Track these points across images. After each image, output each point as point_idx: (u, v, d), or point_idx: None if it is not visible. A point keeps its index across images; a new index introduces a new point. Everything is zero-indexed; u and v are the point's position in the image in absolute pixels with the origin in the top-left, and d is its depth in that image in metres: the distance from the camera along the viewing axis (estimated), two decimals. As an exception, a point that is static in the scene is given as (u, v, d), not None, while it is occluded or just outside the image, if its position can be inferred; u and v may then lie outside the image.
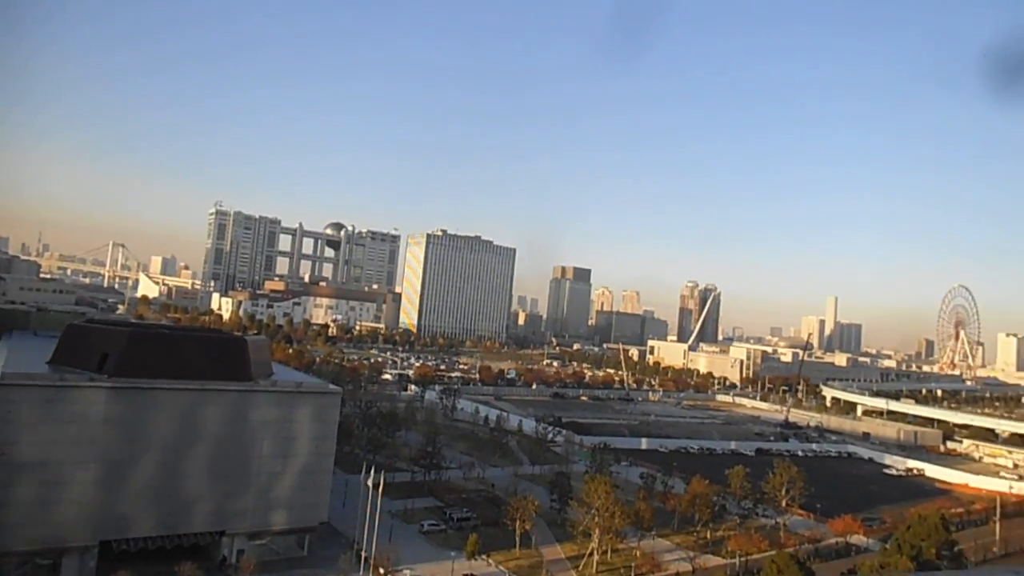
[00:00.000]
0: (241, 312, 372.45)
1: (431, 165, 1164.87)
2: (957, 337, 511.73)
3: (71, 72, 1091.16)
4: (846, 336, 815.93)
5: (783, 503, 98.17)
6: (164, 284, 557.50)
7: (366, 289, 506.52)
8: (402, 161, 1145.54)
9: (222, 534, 65.77)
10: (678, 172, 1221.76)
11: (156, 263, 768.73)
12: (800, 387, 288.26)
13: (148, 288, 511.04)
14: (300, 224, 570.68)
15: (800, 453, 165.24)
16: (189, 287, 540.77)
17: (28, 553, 56.92)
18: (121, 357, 61.13)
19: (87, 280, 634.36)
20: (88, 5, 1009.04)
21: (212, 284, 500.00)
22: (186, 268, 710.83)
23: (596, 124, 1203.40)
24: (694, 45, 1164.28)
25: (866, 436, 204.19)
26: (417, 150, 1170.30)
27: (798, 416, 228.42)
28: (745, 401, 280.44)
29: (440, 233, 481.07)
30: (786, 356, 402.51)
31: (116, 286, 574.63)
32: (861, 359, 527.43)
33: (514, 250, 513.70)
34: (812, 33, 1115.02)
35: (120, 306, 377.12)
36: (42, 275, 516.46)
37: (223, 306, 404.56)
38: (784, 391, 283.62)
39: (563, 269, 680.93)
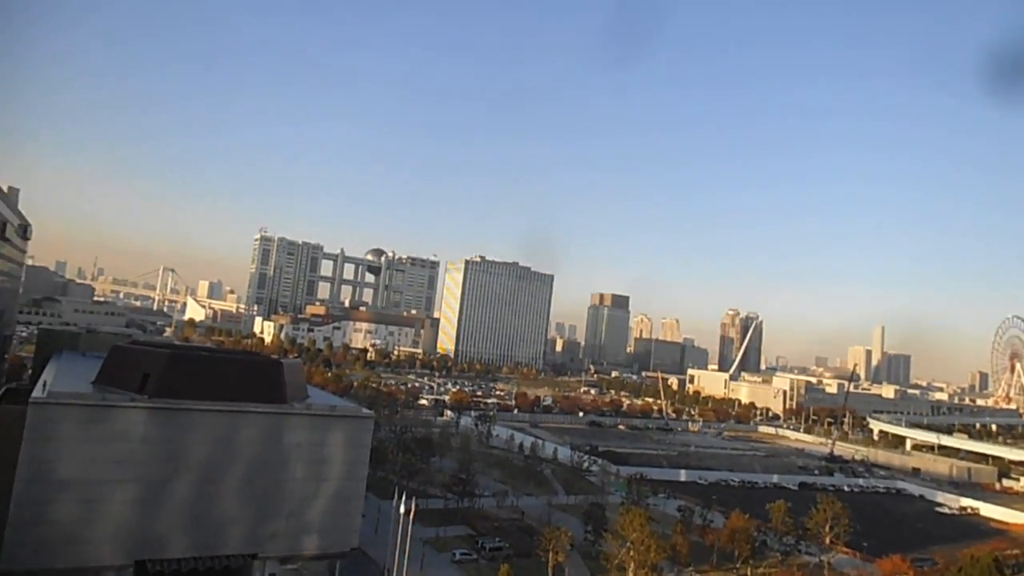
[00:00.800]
0: (282, 336, 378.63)
1: (471, 191, 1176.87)
2: (1012, 369, 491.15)
3: (126, 101, 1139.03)
4: (894, 367, 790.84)
5: (827, 540, 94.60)
6: (210, 308, 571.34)
7: (405, 314, 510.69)
8: (442, 188, 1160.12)
9: (254, 557, 65.82)
10: (720, 196, 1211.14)
11: (203, 287, 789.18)
12: (846, 419, 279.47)
13: (195, 311, 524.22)
14: (342, 250, 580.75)
15: (846, 488, 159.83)
16: (234, 311, 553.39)
17: (66, 571, 57.60)
18: (161, 378, 62.26)
19: (138, 303, 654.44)
20: (145, 27, 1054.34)
21: (255, 308, 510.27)
22: (231, 292, 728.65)
23: (640, 145, 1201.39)
24: (735, 60, 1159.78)
25: (916, 472, 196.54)
26: (457, 176, 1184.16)
27: (844, 450, 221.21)
28: (788, 433, 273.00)
29: (478, 259, 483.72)
30: (831, 387, 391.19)
31: (165, 309, 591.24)
32: (910, 391, 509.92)
33: (552, 277, 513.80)
34: (841, 50, 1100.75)
35: (168, 329, 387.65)
36: (96, 298, 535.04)
37: (265, 330, 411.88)
38: (829, 423, 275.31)
39: (601, 296, 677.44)
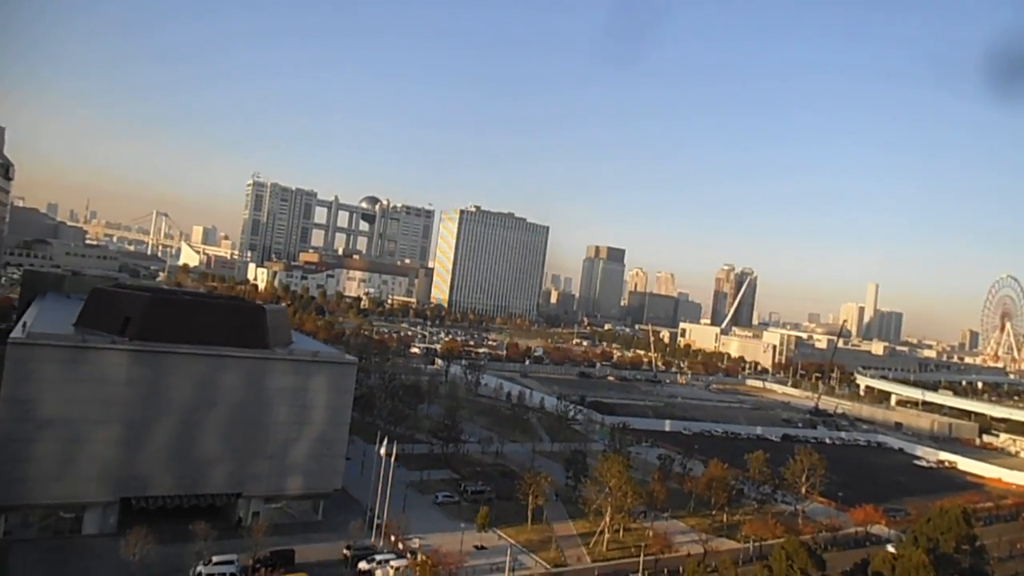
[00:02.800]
0: (276, 283, 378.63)
1: (466, 138, 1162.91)
2: (1003, 329, 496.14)
3: (120, 46, 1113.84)
4: (886, 324, 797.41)
5: (803, 490, 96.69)
6: (204, 253, 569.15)
7: (399, 263, 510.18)
8: (436, 133, 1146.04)
9: (238, 496, 67.38)
10: (718, 150, 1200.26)
11: (198, 232, 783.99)
12: (833, 374, 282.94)
13: (189, 257, 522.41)
14: (336, 197, 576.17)
15: (828, 441, 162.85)
16: (228, 257, 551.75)
17: (52, 507, 58.99)
18: (143, 321, 62.55)
19: (132, 248, 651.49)
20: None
21: (249, 255, 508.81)
22: (226, 238, 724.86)
23: (633, 97, 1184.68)
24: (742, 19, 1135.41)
25: (898, 426, 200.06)
26: (451, 123, 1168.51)
27: (829, 404, 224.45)
28: (776, 387, 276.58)
29: (474, 209, 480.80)
30: (821, 343, 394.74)
31: (159, 254, 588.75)
32: (900, 348, 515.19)
33: (547, 228, 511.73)
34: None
35: (161, 273, 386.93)
36: (88, 241, 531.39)
37: (259, 276, 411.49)
38: (817, 378, 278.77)
39: (597, 248, 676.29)
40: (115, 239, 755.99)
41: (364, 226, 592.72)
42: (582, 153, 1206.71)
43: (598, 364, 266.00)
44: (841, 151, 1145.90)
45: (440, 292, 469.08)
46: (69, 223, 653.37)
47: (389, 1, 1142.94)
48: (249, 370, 66.53)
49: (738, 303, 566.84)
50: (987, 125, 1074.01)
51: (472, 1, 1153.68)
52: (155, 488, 62.57)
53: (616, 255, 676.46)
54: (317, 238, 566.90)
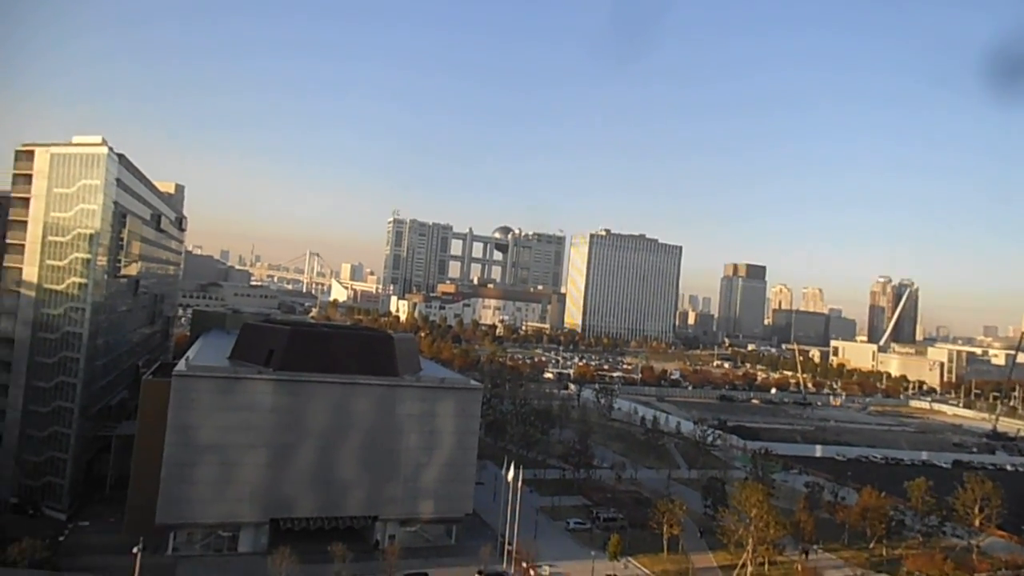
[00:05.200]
0: (416, 313, 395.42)
1: (596, 163, 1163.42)
2: None
3: (268, 103, 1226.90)
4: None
5: (976, 522, 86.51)
6: (352, 289, 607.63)
7: (532, 290, 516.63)
8: (565, 161, 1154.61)
9: (375, 519, 70.34)
10: (861, 161, 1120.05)
11: (346, 270, 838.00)
12: (1014, 392, 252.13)
13: (339, 292, 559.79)
14: (470, 229, 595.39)
15: (1009, 467, 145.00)
16: (373, 291, 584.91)
17: (212, 526, 64.45)
18: (284, 353, 67.55)
19: (290, 286, 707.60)
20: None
21: (391, 288, 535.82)
22: (371, 274, 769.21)
23: (762, 117, 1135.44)
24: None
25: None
26: (581, 149, 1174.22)
27: (1010, 426, 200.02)
28: (945, 408, 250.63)
29: (603, 233, 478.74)
30: (998, 358, 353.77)
31: (313, 291, 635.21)
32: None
33: (680, 248, 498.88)
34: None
35: (313, 309, 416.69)
36: (253, 282, 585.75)
37: (400, 308, 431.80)
38: (994, 397, 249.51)
39: (735, 267, 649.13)
40: (276, 279, 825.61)
41: (498, 255, 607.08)
42: (714, 174, 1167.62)
43: (740, 387, 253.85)
44: (1005, 151, 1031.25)
45: (573, 317, 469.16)
46: (238, 267, 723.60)
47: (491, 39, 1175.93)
48: (380, 396, 69.74)
49: (897, 317, 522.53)
50: None
51: (574, 36, 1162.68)
52: (300, 510, 66.72)
53: (756, 272, 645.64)
54: (454, 269, 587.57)
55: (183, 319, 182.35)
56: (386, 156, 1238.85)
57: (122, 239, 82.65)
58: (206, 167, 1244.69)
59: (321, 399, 66.70)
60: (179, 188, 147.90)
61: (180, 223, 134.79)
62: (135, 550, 53.54)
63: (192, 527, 63.50)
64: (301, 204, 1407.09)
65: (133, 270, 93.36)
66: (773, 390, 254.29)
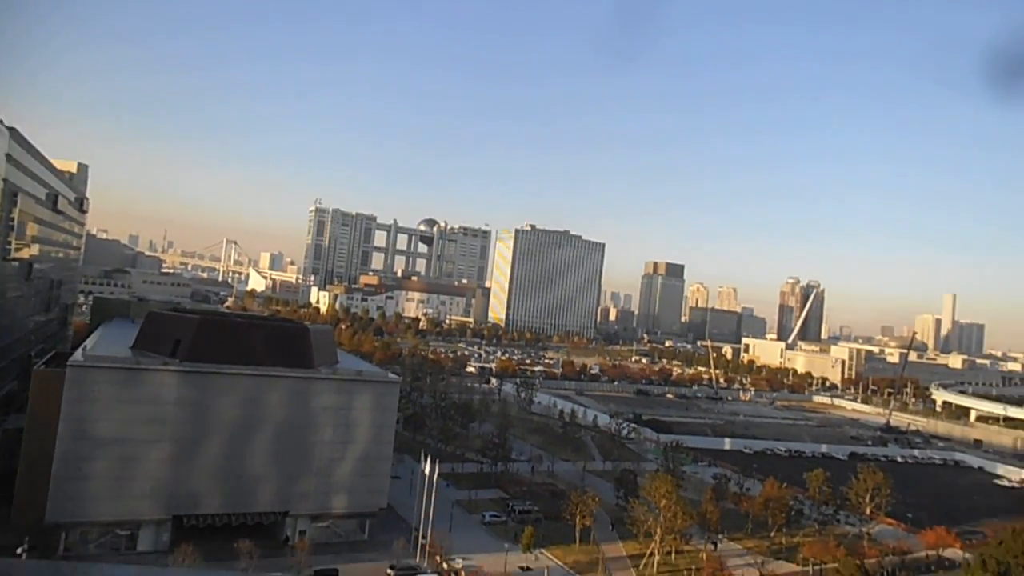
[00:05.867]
0: (337, 305, 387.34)
1: (520, 159, 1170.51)
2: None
3: (192, 81, 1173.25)
4: (966, 337, 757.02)
5: (868, 511, 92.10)
6: (271, 278, 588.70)
7: (456, 284, 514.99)
8: (491, 155, 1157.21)
9: (285, 515, 68.51)
10: (775, 164, 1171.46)
11: (265, 259, 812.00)
12: (906, 389, 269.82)
13: (257, 282, 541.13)
14: (395, 221, 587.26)
15: (899, 459, 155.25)
16: (293, 281, 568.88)
17: (108, 524, 61.15)
18: (192, 343, 64.75)
19: (205, 275, 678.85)
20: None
21: (312, 278, 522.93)
22: (292, 264, 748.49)
23: (690, 117, 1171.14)
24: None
25: (978, 444, 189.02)
26: (506, 145, 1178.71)
27: (902, 420, 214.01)
28: (845, 403, 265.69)
29: (529, 228, 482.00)
30: (893, 357, 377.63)
31: (230, 280, 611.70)
32: (980, 361, 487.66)
33: (603, 245, 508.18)
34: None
35: (229, 299, 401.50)
36: (164, 270, 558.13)
37: (320, 299, 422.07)
38: (889, 393, 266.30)
39: (655, 265, 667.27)
40: (189, 267, 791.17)
41: (422, 248, 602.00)
42: (636, 172, 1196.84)
43: (656, 382, 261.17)
44: (904, 163, 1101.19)
45: (497, 311, 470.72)
46: (148, 253, 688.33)
47: (440, 29, 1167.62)
48: (294, 389, 67.92)
49: (805, 317, 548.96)
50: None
51: (524, 30, 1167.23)
52: (205, 506, 64.24)
53: (675, 271, 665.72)
54: (377, 261, 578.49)
55: (84, 307, 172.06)
56: (308, 143, 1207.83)
57: (12, 219, 77.17)
58: (115, 148, 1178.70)
59: (231, 392, 64.31)
60: (82, 168, 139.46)
61: (81, 204, 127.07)
62: (19, 551, 50.28)
63: (86, 526, 60.08)
64: (218, 190, 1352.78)
65: (26, 253, 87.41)
66: (695, 385, 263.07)
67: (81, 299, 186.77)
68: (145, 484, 61.62)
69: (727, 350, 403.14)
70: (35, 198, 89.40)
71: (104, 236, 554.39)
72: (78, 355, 62.11)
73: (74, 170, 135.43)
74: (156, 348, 66.25)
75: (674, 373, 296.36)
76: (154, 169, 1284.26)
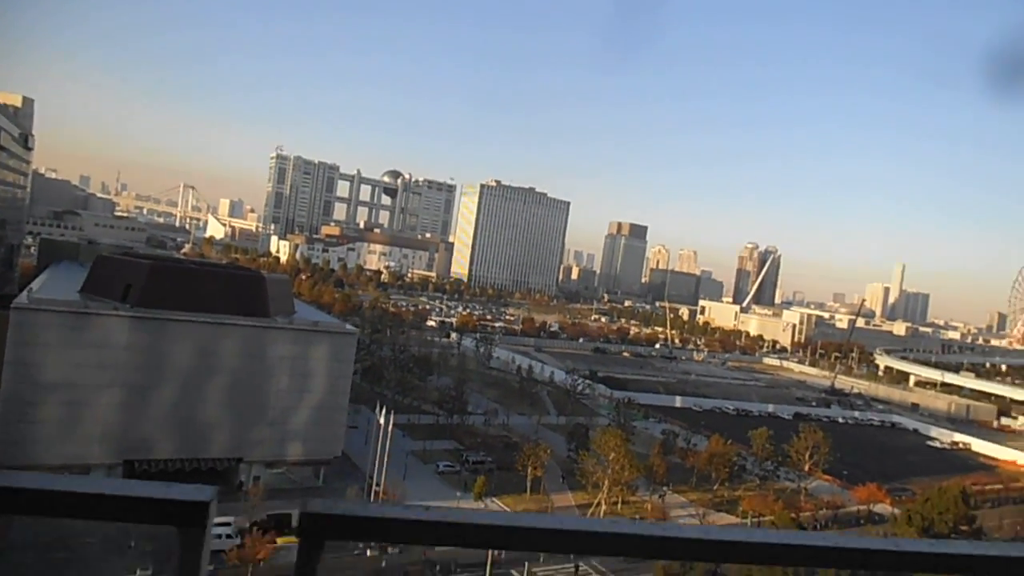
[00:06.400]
0: (297, 255, 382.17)
1: (486, 114, 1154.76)
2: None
3: (147, 16, 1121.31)
4: (912, 305, 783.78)
5: (806, 467, 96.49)
6: (230, 226, 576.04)
7: (420, 238, 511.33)
8: (457, 108, 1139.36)
9: (240, 461, 68.97)
10: (741, 128, 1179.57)
11: (224, 205, 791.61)
12: (852, 354, 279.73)
13: (215, 229, 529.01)
14: (358, 171, 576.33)
15: (840, 420, 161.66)
16: (253, 229, 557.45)
17: (56, 468, 60.66)
18: (143, 288, 63.76)
19: (161, 220, 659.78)
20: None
21: (272, 227, 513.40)
22: (252, 211, 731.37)
23: (651, 77, 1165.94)
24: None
25: (915, 407, 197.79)
26: (472, 98, 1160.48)
27: (846, 383, 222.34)
28: (793, 366, 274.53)
29: (494, 184, 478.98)
30: (842, 323, 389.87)
31: (188, 227, 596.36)
32: (923, 329, 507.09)
33: (568, 203, 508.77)
34: None
35: (186, 245, 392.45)
36: (118, 213, 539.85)
37: (280, 249, 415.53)
38: (836, 357, 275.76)
39: (619, 225, 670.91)
40: (145, 211, 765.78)
41: (386, 200, 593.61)
42: (603, 131, 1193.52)
43: (614, 340, 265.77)
44: (867, 136, 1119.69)
45: (460, 267, 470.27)
46: (100, 195, 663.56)
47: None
48: (249, 338, 67.67)
49: (760, 281, 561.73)
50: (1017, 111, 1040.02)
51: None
52: (157, 452, 64.28)
53: (638, 232, 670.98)
54: (340, 212, 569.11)
55: (32, 248, 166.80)
56: (270, 87, 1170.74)
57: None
58: (64, 84, 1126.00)
59: (183, 339, 63.79)
60: (27, 102, 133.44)
61: (26, 140, 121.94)
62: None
63: (33, 469, 59.59)
64: (177, 132, 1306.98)
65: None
66: (654, 345, 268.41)
67: (29, 240, 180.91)
68: (95, 429, 61.29)
69: (684, 311, 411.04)
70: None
71: (53, 176, 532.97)
72: (23, 297, 60.70)
73: (19, 104, 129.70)
74: (105, 292, 65.04)
75: (632, 332, 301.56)
76: (108, 107, 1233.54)
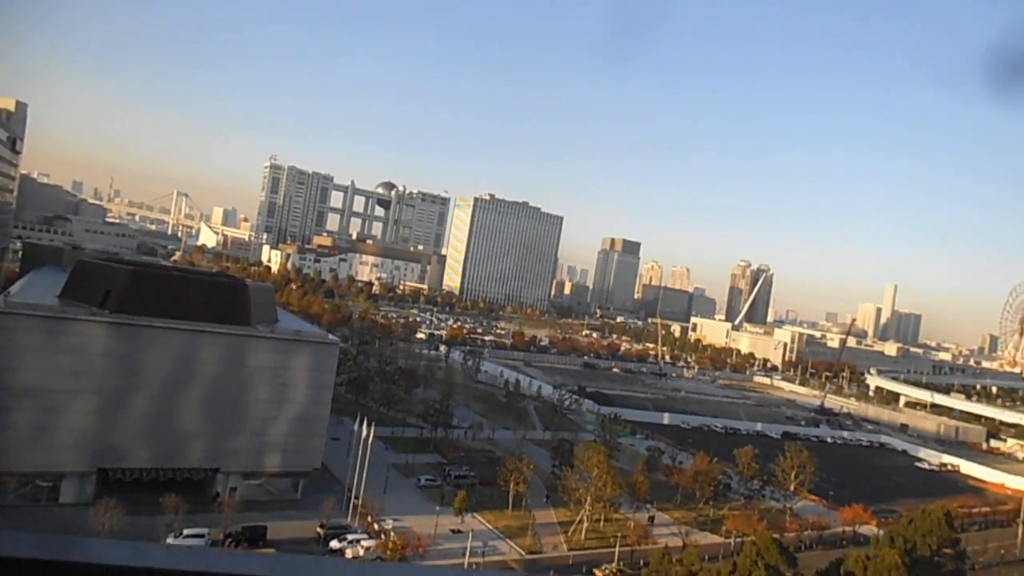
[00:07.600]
0: (289, 265, 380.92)
1: (483, 127, 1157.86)
2: (1022, 333, 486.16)
3: (144, 22, 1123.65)
4: (904, 326, 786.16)
5: (792, 487, 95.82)
6: (223, 234, 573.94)
7: (412, 249, 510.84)
8: (453, 121, 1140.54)
9: (216, 471, 67.93)
10: (736, 147, 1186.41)
11: (218, 214, 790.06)
12: (843, 373, 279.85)
13: (208, 238, 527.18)
14: (352, 182, 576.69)
15: (829, 440, 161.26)
16: (246, 238, 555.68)
17: (29, 475, 59.80)
18: (123, 294, 63.02)
19: (153, 227, 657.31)
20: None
21: (264, 236, 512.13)
22: (245, 220, 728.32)
23: (646, 94, 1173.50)
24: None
25: (904, 428, 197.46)
26: (468, 111, 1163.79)
27: (836, 403, 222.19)
28: (784, 384, 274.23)
29: (488, 197, 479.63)
30: (833, 342, 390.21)
31: (180, 234, 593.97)
32: (914, 350, 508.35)
33: (561, 218, 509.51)
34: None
35: (177, 253, 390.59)
36: (109, 219, 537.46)
37: (272, 258, 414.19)
38: (826, 377, 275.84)
39: (612, 241, 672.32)
40: (137, 218, 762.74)
41: (380, 211, 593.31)
42: (598, 147, 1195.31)
43: (604, 356, 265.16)
44: (861, 157, 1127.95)
45: (452, 279, 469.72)
46: (92, 201, 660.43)
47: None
48: (229, 346, 66.90)
49: (753, 300, 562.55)
50: (1012, 129, 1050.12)
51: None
52: (132, 460, 63.24)
53: (631, 248, 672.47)
54: (332, 222, 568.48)
55: (19, 252, 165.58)
56: (267, 96, 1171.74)
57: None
58: (60, 89, 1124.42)
59: (162, 346, 62.99)
60: (20, 106, 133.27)
61: (14, 144, 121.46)
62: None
63: (5, 476, 58.63)
64: (171, 139, 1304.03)
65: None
66: (645, 362, 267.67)
67: (18, 245, 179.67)
68: (68, 436, 60.28)
69: (676, 328, 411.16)
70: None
71: (45, 181, 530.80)
72: (0, 301, 59.91)
73: (12, 108, 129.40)
74: (85, 298, 64.27)
75: (622, 348, 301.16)
76: (102, 113, 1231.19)
